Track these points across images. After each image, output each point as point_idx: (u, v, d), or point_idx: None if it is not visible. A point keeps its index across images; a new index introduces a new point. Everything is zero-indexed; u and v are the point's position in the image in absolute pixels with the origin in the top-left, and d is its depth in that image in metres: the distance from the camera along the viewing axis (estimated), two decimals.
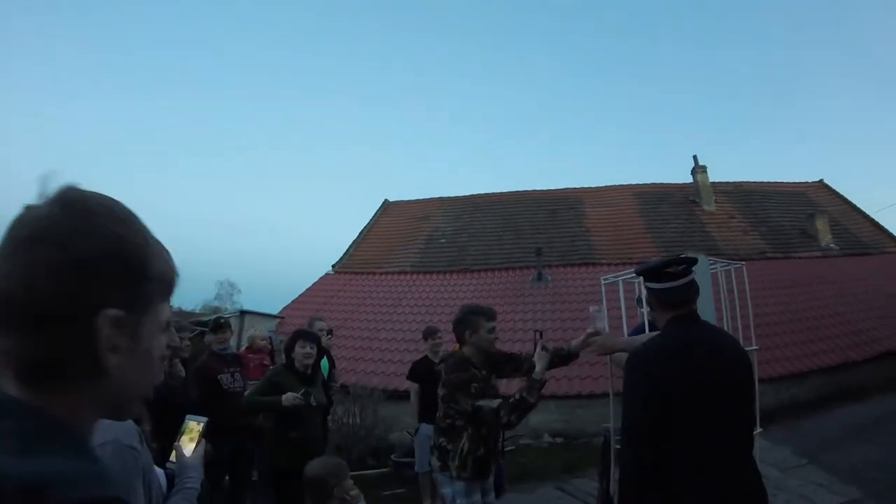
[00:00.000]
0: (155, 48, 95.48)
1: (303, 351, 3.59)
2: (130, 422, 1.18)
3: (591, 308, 2.76)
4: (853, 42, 73.26)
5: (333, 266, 14.02)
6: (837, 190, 17.90)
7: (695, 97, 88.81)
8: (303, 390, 3.42)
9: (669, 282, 1.83)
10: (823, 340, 9.73)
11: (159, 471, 1.37)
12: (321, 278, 13.58)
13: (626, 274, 3.23)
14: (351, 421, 7.16)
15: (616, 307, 3.14)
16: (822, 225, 14.80)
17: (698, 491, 1.66)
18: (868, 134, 69.88)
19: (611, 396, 3.02)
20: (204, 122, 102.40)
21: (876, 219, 16.26)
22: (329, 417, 5.39)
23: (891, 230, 15.79)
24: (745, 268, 3.71)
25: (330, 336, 5.08)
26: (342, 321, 10.99)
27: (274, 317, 11.08)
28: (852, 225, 15.93)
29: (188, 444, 1.49)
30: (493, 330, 2.92)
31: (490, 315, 2.94)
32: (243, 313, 10.59)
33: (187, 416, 1.59)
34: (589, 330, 2.63)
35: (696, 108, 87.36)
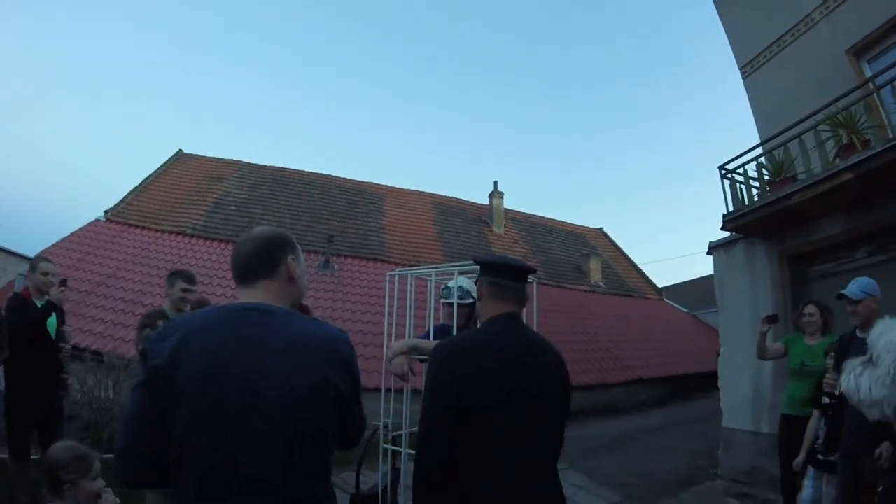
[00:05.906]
0: None
1: None
2: None
3: None
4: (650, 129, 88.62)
5: (106, 212, 11.69)
6: (614, 239, 20.91)
7: (508, 127, 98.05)
8: None
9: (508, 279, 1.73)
10: (585, 362, 10.98)
11: None
12: (90, 223, 11.21)
13: (417, 269, 3.23)
14: (103, 395, 5.92)
15: (403, 305, 3.02)
16: (594, 265, 17.06)
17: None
18: (653, 201, 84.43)
19: (382, 392, 2.96)
20: None
21: (642, 269, 19.35)
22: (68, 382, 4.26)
23: (654, 281, 18.93)
24: (535, 284, 3.79)
25: (63, 289, 3.75)
26: (105, 277, 9.16)
27: (28, 259, 8.55)
28: (621, 270, 18.68)
29: None
30: (185, 291, 3.27)
31: (188, 278, 3.33)
32: None
33: None
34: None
35: (507, 136, 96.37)
